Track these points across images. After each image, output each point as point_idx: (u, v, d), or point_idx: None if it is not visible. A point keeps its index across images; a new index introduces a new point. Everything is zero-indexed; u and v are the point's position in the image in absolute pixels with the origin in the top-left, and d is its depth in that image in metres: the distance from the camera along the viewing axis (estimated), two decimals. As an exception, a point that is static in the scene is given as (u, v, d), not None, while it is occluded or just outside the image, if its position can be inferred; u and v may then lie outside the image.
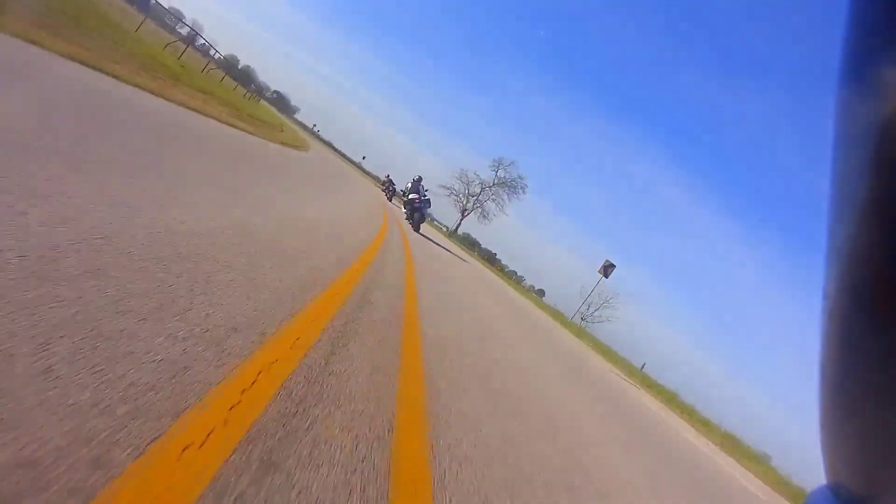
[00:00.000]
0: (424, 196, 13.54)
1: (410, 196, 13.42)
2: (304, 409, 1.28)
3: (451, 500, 1.30)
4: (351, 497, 1.06)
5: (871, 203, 0.28)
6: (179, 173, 3.00)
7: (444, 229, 49.33)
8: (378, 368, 1.88)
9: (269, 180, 5.21)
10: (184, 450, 0.89)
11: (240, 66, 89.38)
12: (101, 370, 0.95)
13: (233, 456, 0.96)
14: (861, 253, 0.29)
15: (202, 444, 0.93)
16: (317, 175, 11.88)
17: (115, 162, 2.38)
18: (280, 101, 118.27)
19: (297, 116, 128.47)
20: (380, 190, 29.95)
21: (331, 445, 1.20)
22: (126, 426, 0.86)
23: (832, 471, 0.35)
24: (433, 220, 47.22)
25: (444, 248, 14.47)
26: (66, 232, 1.38)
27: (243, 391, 1.17)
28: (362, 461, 1.22)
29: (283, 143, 12.94)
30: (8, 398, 0.78)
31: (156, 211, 2.00)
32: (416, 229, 12.79)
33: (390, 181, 28.32)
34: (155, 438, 0.87)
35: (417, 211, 13.06)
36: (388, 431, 1.45)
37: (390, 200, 25.50)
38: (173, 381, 1.06)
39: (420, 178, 14.51)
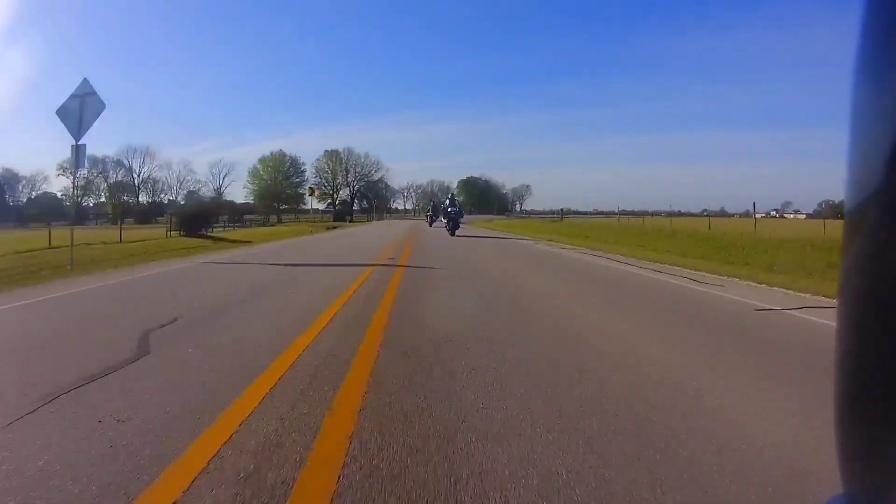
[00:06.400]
0: (458, 209, 17.91)
1: (449, 210, 17.79)
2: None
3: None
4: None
5: (892, 201, 0.27)
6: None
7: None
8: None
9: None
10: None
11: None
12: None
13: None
14: (881, 254, 0.28)
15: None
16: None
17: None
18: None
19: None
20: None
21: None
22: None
23: (848, 479, 0.34)
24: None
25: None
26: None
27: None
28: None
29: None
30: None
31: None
32: (452, 234, 16.80)
33: (435, 206, 27.96)
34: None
35: (453, 220, 17.24)
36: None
37: (430, 225, 25.67)
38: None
39: (453, 195, 19.87)
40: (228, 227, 30.54)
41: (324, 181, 70.62)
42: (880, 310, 0.29)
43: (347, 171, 72.26)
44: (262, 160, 67.87)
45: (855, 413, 0.33)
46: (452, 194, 21.12)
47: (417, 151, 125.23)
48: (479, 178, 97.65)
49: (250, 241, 16.04)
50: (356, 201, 74.46)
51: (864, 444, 0.32)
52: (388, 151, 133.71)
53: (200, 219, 19.45)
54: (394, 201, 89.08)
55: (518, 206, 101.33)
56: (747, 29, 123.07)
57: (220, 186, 67.26)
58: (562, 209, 28.95)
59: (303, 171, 69.02)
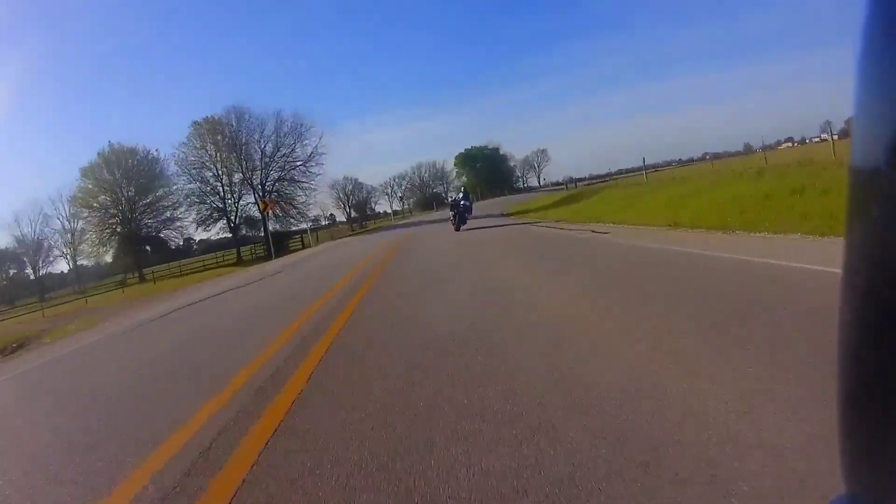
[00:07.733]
0: (467, 203, 17.78)
1: (462, 203, 17.69)
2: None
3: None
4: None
5: (895, 198, 0.27)
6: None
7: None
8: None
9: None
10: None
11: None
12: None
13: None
14: (884, 250, 0.28)
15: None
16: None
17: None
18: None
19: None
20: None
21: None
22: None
23: (851, 480, 0.33)
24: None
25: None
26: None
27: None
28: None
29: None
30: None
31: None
32: (458, 229, 16.33)
33: (454, 203, 24.19)
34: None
35: (459, 214, 16.83)
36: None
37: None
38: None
39: (465, 188, 20.90)
40: None
41: (201, 185, 36.73)
42: (882, 310, 0.29)
43: (243, 154, 36.16)
44: (86, 171, 35.64)
45: (857, 414, 0.33)
46: (465, 187, 22.32)
47: (411, 150, 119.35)
48: (485, 148, 78.59)
49: None
50: (275, 211, 35.73)
51: (867, 444, 0.32)
52: (383, 151, 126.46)
53: None
54: (376, 203, 63.29)
55: (539, 179, 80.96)
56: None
57: (70, 221, 40.10)
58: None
59: (170, 175, 37.40)
